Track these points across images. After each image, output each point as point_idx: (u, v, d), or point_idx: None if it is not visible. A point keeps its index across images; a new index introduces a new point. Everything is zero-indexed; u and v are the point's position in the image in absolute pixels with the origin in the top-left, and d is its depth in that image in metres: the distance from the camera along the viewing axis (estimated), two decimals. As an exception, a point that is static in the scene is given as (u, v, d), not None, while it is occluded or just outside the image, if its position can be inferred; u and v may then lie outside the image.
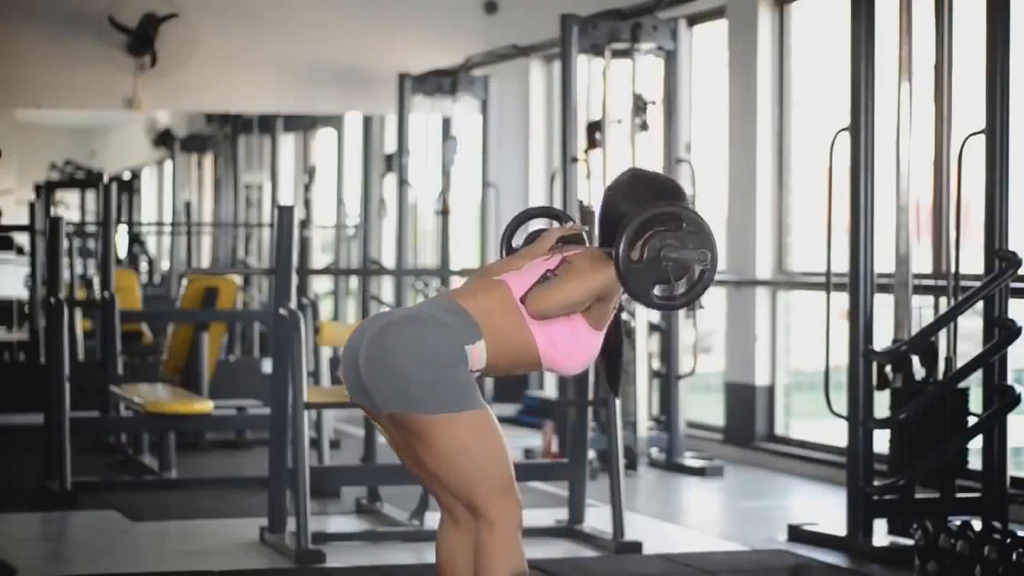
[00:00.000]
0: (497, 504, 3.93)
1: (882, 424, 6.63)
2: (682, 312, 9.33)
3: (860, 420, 6.63)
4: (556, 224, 4.22)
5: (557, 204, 9.48)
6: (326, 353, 9.83)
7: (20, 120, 17.84)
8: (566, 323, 3.97)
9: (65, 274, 9.95)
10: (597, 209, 4.15)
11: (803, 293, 9.55)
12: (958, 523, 6.22)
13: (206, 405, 8.38)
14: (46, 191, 15.21)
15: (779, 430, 9.53)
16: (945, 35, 6.83)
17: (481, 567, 3.93)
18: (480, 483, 3.92)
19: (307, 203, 14.56)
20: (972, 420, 6.59)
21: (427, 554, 6.56)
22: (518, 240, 4.24)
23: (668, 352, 9.36)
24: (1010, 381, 6.51)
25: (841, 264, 6.78)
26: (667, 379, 9.36)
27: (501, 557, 3.92)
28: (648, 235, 3.87)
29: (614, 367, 4.25)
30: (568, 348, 3.99)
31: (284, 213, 6.74)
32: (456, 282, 11.81)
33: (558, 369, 4.04)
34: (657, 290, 3.89)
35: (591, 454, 8.09)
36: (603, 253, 3.99)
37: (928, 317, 6.85)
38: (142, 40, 11.92)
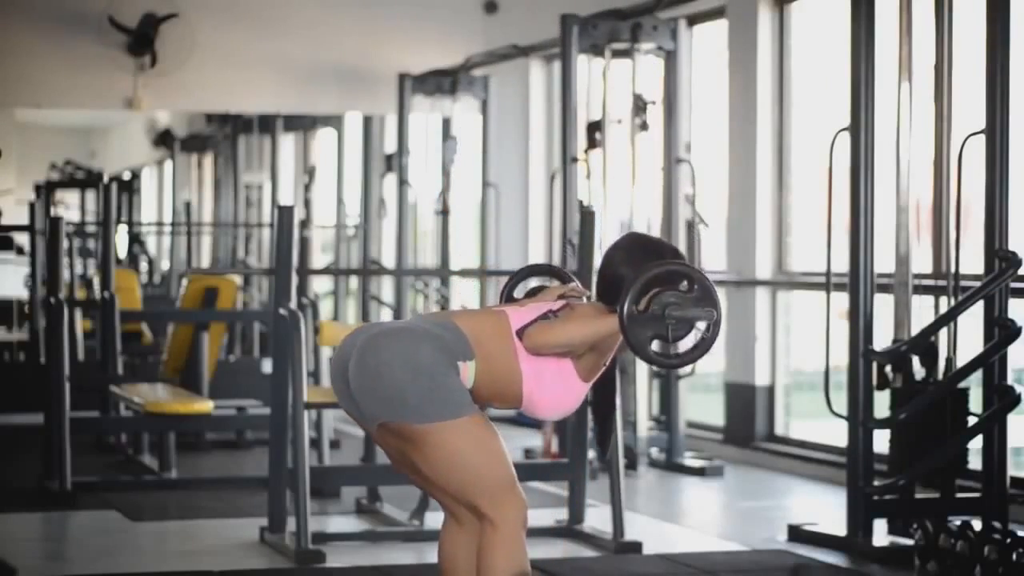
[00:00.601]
0: (499, 505, 3.93)
1: (882, 424, 6.63)
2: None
3: (860, 420, 6.63)
4: (557, 283, 4.23)
5: (557, 204, 9.47)
6: (326, 353, 9.84)
7: (20, 120, 17.85)
8: (555, 365, 3.97)
9: (65, 274, 9.95)
10: (597, 268, 4.15)
11: (803, 293, 9.54)
12: (958, 523, 6.22)
13: (206, 405, 8.38)
14: (46, 191, 15.21)
15: (779, 430, 9.53)
16: (945, 35, 6.83)
17: (483, 567, 3.94)
18: (480, 487, 3.92)
19: (307, 203, 14.56)
20: (972, 420, 6.59)
21: (427, 554, 6.56)
22: (519, 293, 4.25)
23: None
24: (1010, 381, 6.51)
25: (841, 264, 6.78)
26: (667, 379, 9.36)
27: (503, 557, 3.93)
28: (655, 292, 3.87)
29: (605, 429, 4.26)
30: (552, 390, 3.99)
31: (284, 213, 6.73)
32: (455, 283, 11.81)
33: (536, 410, 4.02)
34: (655, 346, 3.89)
35: (591, 454, 8.09)
36: (606, 308, 3.99)
37: (928, 317, 6.85)
38: (142, 40, 11.92)
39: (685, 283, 3.90)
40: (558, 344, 3.92)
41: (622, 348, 3.98)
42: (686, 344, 3.96)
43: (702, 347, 3.89)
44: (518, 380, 3.97)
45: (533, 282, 4.32)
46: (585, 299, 4.15)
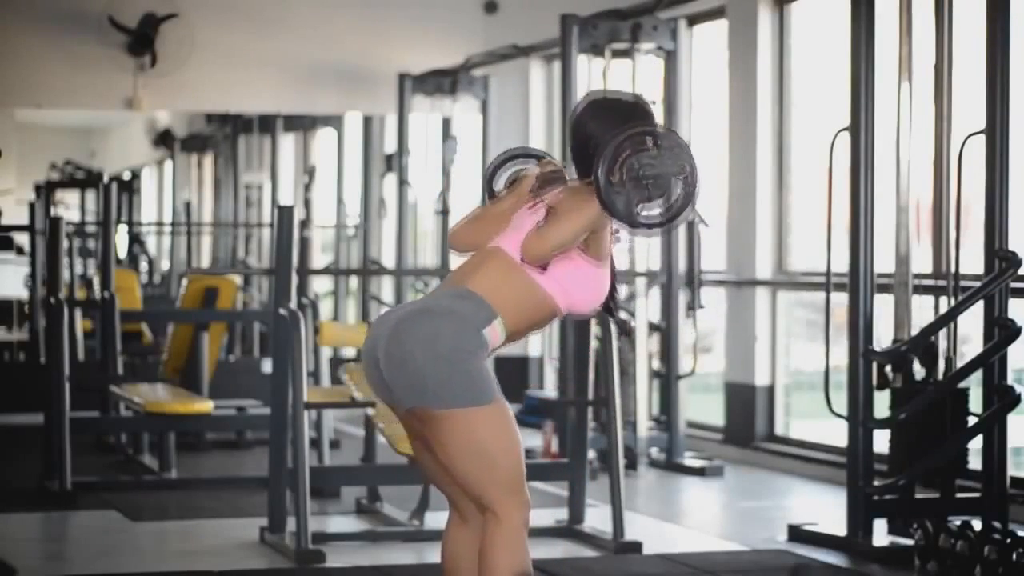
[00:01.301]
0: (506, 500, 3.93)
1: (882, 424, 6.63)
2: (682, 312, 9.33)
3: (860, 420, 6.63)
4: (534, 163, 4.22)
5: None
6: (326, 353, 9.84)
7: (20, 120, 17.84)
8: (571, 266, 3.99)
9: (65, 274, 9.95)
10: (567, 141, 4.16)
11: (803, 293, 9.54)
12: (958, 523, 6.22)
13: (206, 405, 8.39)
14: (46, 191, 15.20)
15: (779, 430, 9.53)
16: (945, 35, 6.83)
17: (485, 562, 3.93)
18: (492, 478, 3.92)
19: (307, 203, 14.56)
20: (972, 420, 6.59)
21: (427, 554, 6.56)
22: (500, 186, 4.23)
23: (668, 352, 9.36)
24: (1010, 381, 6.51)
25: (841, 264, 6.78)
26: (667, 379, 9.36)
27: (506, 554, 3.92)
28: (624, 157, 3.87)
29: (611, 294, 4.23)
30: (581, 288, 4.02)
31: (284, 213, 6.74)
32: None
33: (578, 310, 4.06)
34: (642, 210, 3.89)
35: (591, 454, 8.09)
36: (584, 186, 3.98)
37: (928, 317, 6.85)
38: (142, 40, 11.92)
39: (650, 140, 3.89)
40: (555, 246, 3.93)
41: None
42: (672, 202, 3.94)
43: (686, 196, 3.89)
44: (547, 299, 4.00)
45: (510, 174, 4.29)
46: (563, 172, 4.14)
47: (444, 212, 11.76)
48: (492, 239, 4.08)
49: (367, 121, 13.89)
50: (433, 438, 3.95)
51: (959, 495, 6.62)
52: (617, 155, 3.87)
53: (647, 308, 9.38)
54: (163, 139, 18.08)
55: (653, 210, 3.90)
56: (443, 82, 11.70)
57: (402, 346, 3.90)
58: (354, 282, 14.22)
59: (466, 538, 4.09)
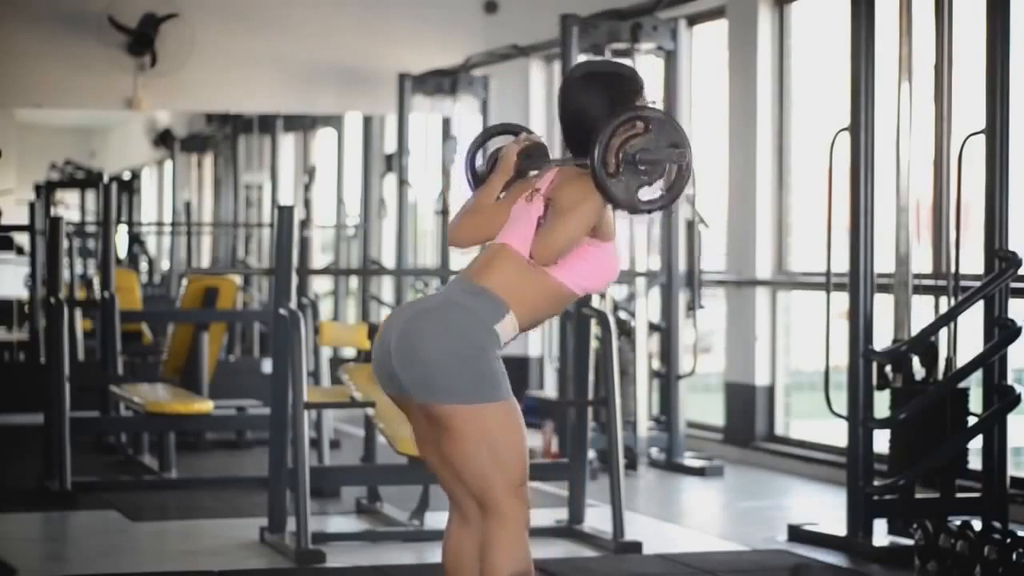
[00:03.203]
0: (509, 499, 3.93)
1: (882, 424, 6.63)
2: (682, 312, 9.34)
3: (860, 420, 6.63)
4: (512, 139, 4.22)
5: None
6: (326, 353, 9.84)
7: (20, 120, 17.84)
8: (580, 253, 3.98)
9: (65, 274, 9.95)
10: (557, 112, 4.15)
11: (803, 293, 9.54)
12: (958, 523, 6.22)
13: (206, 405, 8.38)
14: (46, 191, 15.21)
15: (779, 430, 9.53)
16: (945, 35, 6.83)
17: (486, 562, 3.93)
18: (496, 475, 3.91)
19: (307, 203, 14.56)
20: (972, 420, 6.59)
21: (427, 554, 6.56)
22: (480, 164, 4.24)
23: (668, 352, 9.36)
24: (1010, 381, 6.51)
25: (841, 264, 6.78)
26: (667, 379, 9.36)
27: (507, 552, 3.92)
28: (618, 145, 3.87)
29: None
30: (595, 270, 4.02)
31: (284, 213, 6.74)
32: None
33: (594, 289, 4.09)
34: (642, 194, 3.91)
35: (591, 454, 8.09)
36: (579, 174, 3.97)
37: (928, 317, 6.85)
38: (142, 40, 11.92)
39: (641, 124, 3.89)
40: (565, 246, 3.94)
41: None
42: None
43: (683, 177, 3.90)
44: (563, 288, 4.01)
45: (492, 149, 4.29)
46: (543, 145, 4.13)
47: (444, 212, 11.76)
48: (492, 233, 4.08)
49: (367, 121, 13.89)
50: (442, 433, 3.95)
51: (959, 495, 6.62)
52: (610, 143, 3.87)
53: (647, 308, 9.38)
54: (163, 139, 18.07)
55: (654, 193, 3.92)
56: (443, 82, 11.70)
57: (414, 341, 3.90)
58: (354, 282, 14.22)
59: (467, 538, 4.09)
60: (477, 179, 4.20)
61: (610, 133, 3.88)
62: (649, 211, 3.95)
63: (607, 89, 4.03)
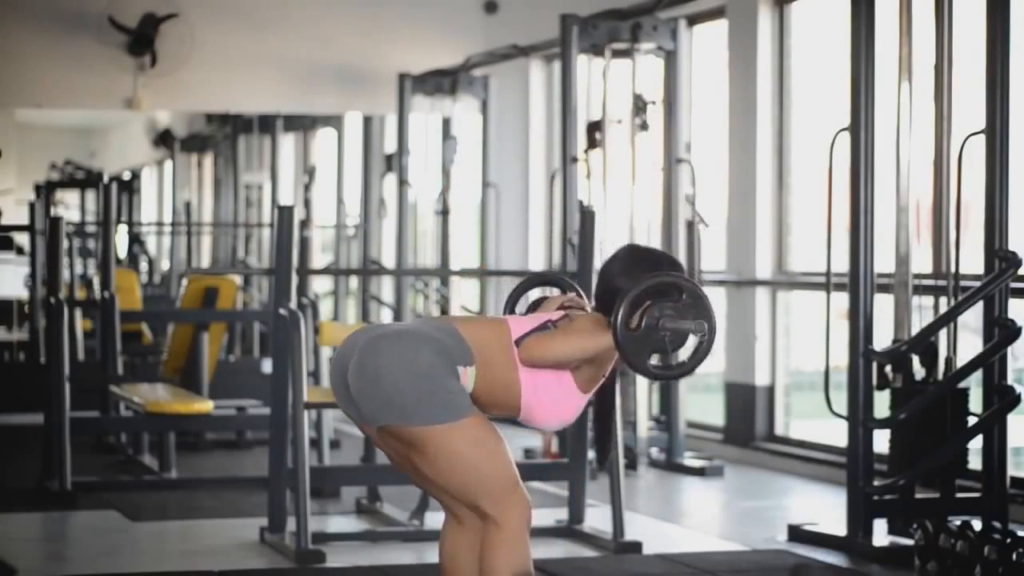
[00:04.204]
0: (502, 506, 3.93)
1: (882, 424, 6.63)
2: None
3: (860, 420, 6.63)
4: (557, 292, 4.23)
5: (557, 204, 9.47)
6: (326, 353, 9.84)
7: (20, 120, 17.83)
8: (554, 377, 3.96)
9: (65, 274, 9.94)
10: (594, 281, 4.15)
11: (803, 293, 9.54)
12: (958, 523, 6.22)
13: (206, 405, 8.38)
14: (46, 191, 15.20)
15: (779, 430, 9.53)
16: (945, 35, 6.83)
17: (485, 566, 3.93)
18: (481, 489, 3.91)
19: (307, 203, 14.56)
20: (972, 420, 6.59)
21: (427, 554, 6.56)
22: (521, 305, 4.25)
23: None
24: (1010, 381, 6.51)
25: (841, 264, 6.78)
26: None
27: (505, 557, 3.92)
28: (647, 305, 3.86)
29: (604, 439, 4.25)
30: (551, 402, 3.98)
31: (284, 213, 6.73)
32: (455, 283, 11.80)
33: (534, 420, 4.02)
34: (654, 360, 3.89)
35: (591, 454, 8.09)
36: (605, 320, 3.97)
37: (928, 317, 6.85)
38: (142, 40, 11.92)
39: (676, 292, 3.89)
40: (554, 358, 3.91)
41: (620, 361, 3.97)
42: (685, 352, 3.95)
43: (698, 356, 3.89)
44: (516, 389, 3.96)
45: (536, 293, 4.32)
46: (585, 309, 4.13)
47: (444, 212, 11.76)
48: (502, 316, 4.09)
49: (367, 121, 13.88)
50: (414, 455, 3.93)
51: (959, 495, 6.62)
52: (640, 301, 3.87)
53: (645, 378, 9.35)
54: (163, 139, 18.07)
55: (665, 361, 3.91)
56: (443, 82, 11.70)
57: (377, 359, 3.87)
58: (354, 282, 14.21)
59: (463, 538, 4.09)
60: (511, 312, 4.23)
61: (641, 291, 3.86)
62: (650, 376, 3.94)
63: (647, 265, 4.01)
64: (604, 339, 3.89)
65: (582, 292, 4.25)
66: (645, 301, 3.86)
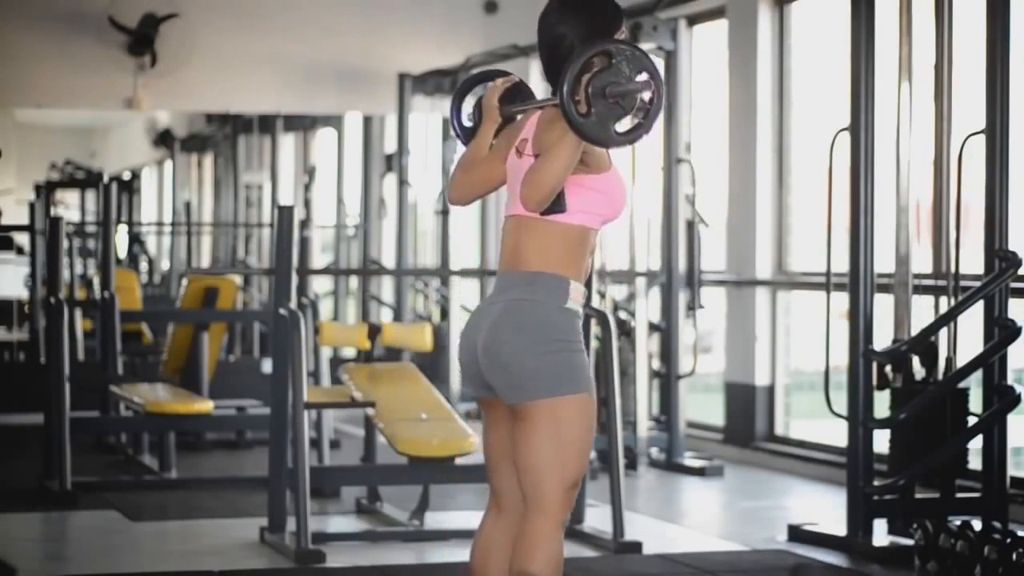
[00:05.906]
0: (560, 498, 3.91)
1: (882, 424, 6.63)
2: (682, 312, 9.33)
3: (860, 420, 6.63)
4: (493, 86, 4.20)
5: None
6: (326, 353, 9.84)
7: (20, 120, 17.85)
8: (583, 192, 3.94)
9: (65, 274, 9.95)
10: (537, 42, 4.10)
11: (803, 293, 9.55)
12: (958, 523, 6.22)
13: (206, 405, 8.38)
14: (46, 191, 15.21)
15: (779, 430, 9.53)
16: (945, 35, 6.83)
17: (522, 551, 3.89)
18: (554, 472, 3.90)
19: (307, 203, 14.56)
20: (972, 420, 6.59)
21: (427, 554, 6.56)
22: (466, 116, 4.22)
23: (668, 352, 9.36)
24: (1010, 381, 6.51)
25: (841, 264, 6.78)
26: (667, 379, 9.36)
27: (547, 544, 3.90)
28: (586, 81, 3.85)
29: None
30: (605, 203, 3.98)
31: (284, 213, 6.74)
32: (455, 283, 11.80)
33: (612, 218, 4.04)
34: (617, 127, 3.88)
35: (591, 454, 8.08)
36: (557, 115, 3.91)
37: (928, 317, 6.85)
38: (142, 40, 11.93)
39: (607, 58, 3.84)
40: (552, 188, 3.89)
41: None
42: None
43: (656, 106, 3.87)
44: (584, 231, 3.96)
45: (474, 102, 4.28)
46: (526, 88, 4.11)
47: (444, 212, 11.76)
48: (490, 186, 4.07)
49: (367, 121, 13.89)
50: (522, 427, 3.92)
51: (959, 495, 6.62)
52: (578, 83, 3.83)
53: (647, 308, 9.38)
54: (163, 139, 18.08)
55: (627, 124, 3.90)
56: (443, 82, 11.70)
57: (496, 349, 3.90)
58: (354, 282, 14.22)
59: (499, 528, 4.05)
60: (467, 133, 4.19)
61: (578, 69, 3.83)
62: (626, 143, 3.90)
63: (586, 18, 3.99)
64: (570, 140, 3.88)
65: (509, 72, 4.22)
66: (583, 78, 3.82)
